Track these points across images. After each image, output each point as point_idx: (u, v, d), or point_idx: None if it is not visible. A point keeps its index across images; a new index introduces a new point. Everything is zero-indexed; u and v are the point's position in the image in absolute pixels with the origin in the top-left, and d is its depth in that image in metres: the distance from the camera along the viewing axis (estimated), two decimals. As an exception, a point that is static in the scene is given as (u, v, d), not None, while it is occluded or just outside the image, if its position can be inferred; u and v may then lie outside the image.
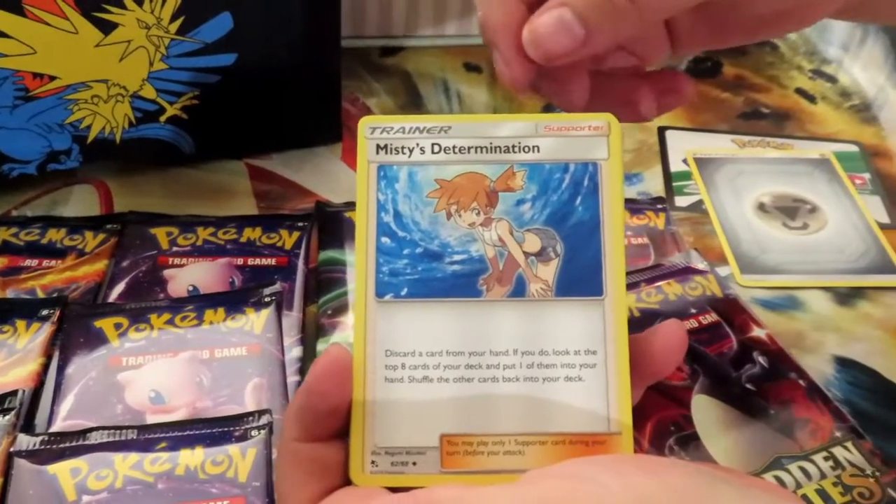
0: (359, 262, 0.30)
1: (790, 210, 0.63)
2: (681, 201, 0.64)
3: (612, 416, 0.29)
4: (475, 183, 0.31)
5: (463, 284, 0.30)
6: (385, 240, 0.31)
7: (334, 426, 0.29)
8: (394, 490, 0.27)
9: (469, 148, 0.31)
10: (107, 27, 0.54)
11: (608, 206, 0.31)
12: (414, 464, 0.29)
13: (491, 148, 0.31)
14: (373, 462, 0.29)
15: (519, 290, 0.30)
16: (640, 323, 0.49)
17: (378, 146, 0.31)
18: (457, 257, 0.31)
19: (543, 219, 0.31)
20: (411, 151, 0.31)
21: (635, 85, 0.38)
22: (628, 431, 0.29)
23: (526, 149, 0.31)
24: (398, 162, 0.31)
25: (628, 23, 0.32)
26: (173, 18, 0.55)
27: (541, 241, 0.31)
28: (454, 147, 0.31)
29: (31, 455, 0.40)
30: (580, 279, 0.30)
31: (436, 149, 0.31)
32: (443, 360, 0.30)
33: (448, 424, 0.29)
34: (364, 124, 0.32)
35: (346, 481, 0.29)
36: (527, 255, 0.31)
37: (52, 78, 0.55)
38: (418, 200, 0.31)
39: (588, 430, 0.29)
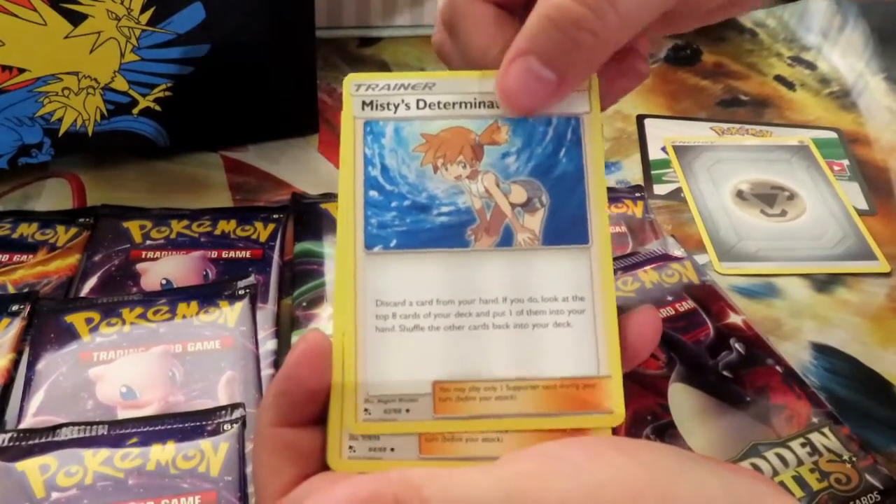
0: (345, 215, 0.30)
1: (768, 197, 0.63)
2: (659, 189, 0.64)
3: (602, 359, 0.29)
4: (460, 137, 0.32)
5: (451, 235, 0.31)
6: (373, 193, 0.31)
7: (312, 412, 0.29)
8: None
9: (453, 104, 0.32)
10: (76, 18, 0.53)
11: (591, 157, 0.32)
12: (392, 449, 0.29)
13: (475, 103, 0.32)
14: (350, 447, 0.29)
15: (506, 240, 0.31)
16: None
17: (364, 103, 0.32)
18: (444, 209, 0.31)
19: (528, 171, 0.31)
20: (396, 107, 0.32)
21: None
22: (617, 374, 0.29)
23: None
24: (384, 118, 0.32)
25: (597, 54, 0.31)
26: (144, 9, 0.55)
27: (526, 192, 0.31)
28: (439, 103, 0.32)
29: (0, 452, 0.40)
30: (566, 228, 0.30)
31: (421, 104, 0.32)
32: (433, 309, 0.30)
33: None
34: (349, 81, 0.32)
35: (323, 467, 0.29)
36: (513, 205, 0.31)
37: (22, 70, 0.54)
38: (405, 155, 0.31)
39: (578, 374, 0.29)
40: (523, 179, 0.31)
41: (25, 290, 0.50)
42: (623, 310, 0.31)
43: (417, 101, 0.32)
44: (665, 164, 0.66)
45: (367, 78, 0.32)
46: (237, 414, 0.42)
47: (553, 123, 0.32)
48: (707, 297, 0.52)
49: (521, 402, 0.29)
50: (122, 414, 0.43)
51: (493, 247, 0.31)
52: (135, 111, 0.59)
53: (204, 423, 0.41)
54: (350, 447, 0.29)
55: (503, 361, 0.29)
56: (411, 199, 0.31)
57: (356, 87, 0.32)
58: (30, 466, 0.39)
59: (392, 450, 0.29)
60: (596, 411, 0.29)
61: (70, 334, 0.46)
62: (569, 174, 0.31)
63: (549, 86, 0.31)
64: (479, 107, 0.32)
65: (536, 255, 0.31)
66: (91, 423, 0.41)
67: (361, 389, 0.29)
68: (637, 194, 0.61)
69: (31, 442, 0.40)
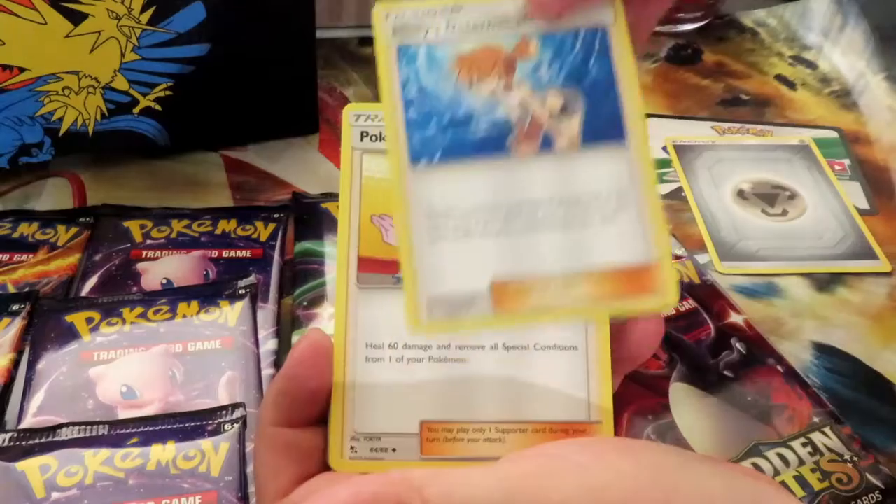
0: (390, 135, 0.30)
1: (769, 197, 0.63)
2: (660, 189, 0.64)
3: (651, 245, 0.29)
4: (492, 53, 0.32)
5: (492, 145, 0.30)
6: (412, 113, 0.31)
7: (313, 412, 0.29)
8: None
9: (482, 24, 0.32)
10: (76, 18, 0.53)
11: (620, 64, 0.31)
12: (393, 450, 0.29)
13: (503, 21, 0.31)
14: (352, 448, 0.29)
15: (546, 145, 0.30)
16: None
17: (394, 29, 0.31)
18: (483, 122, 0.31)
19: (561, 80, 0.31)
20: (427, 32, 0.31)
21: None
22: (668, 258, 0.29)
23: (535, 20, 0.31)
24: (416, 42, 0.31)
25: None
26: (144, 8, 0.54)
27: (561, 99, 0.31)
28: (467, 24, 0.31)
29: (0, 452, 0.39)
30: (603, 129, 0.30)
31: (450, 27, 0.31)
32: (482, 216, 0.30)
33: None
34: (379, 11, 0.31)
35: (325, 468, 0.29)
36: (550, 113, 0.31)
37: (22, 70, 0.54)
38: (439, 74, 0.31)
39: (630, 261, 0.29)
40: (557, 88, 0.31)
41: (26, 289, 0.50)
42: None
43: (447, 24, 0.32)
44: (666, 163, 0.66)
45: (394, 8, 0.32)
46: (238, 414, 0.42)
47: (580, 35, 0.32)
48: (708, 297, 0.52)
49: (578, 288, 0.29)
50: (123, 414, 0.43)
51: (535, 153, 0.31)
52: (135, 110, 0.59)
53: (204, 422, 0.41)
54: (351, 447, 0.29)
55: (555, 258, 0.29)
56: (450, 116, 0.31)
57: (386, 16, 0.31)
58: (30, 466, 0.39)
59: (393, 450, 0.29)
60: (650, 294, 0.28)
61: (70, 334, 0.46)
62: (600, 80, 0.32)
63: None
64: (507, 25, 0.32)
65: (577, 156, 0.31)
66: (91, 423, 0.41)
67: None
68: (638, 194, 0.61)
69: (31, 442, 0.40)
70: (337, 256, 0.30)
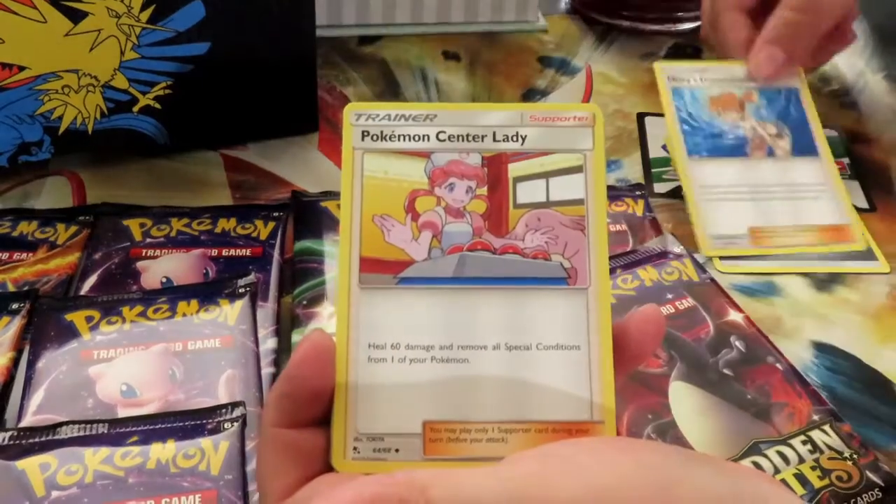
0: (671, 136, 0.57)
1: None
2: (660, 188, 0.64)
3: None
4: (732, 98, 0.57)
5: (737, 150, 0.64)
6: (685, 127, 0.63)
7: (315, 413, 0.29)
8: None
9: (723, 79, 0.33)
10: (76, 16, 0.53)
11: (808, 107, 0.33)
12: (396, 450, 0.29)
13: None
14: (354, 448, 0.29)
15: (770, 153, 0.62)
16: (616, 309, 0.49)
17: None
18: (730, 136, 0.63)
19: (774, 117, 0.60)
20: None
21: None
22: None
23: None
24: (683, 86, 0.61)
25: (807, 34, 0.63)
26: (144, 7, 0.55)
27: (776, 128, 0.61)
28: (713, 78, 0.39)
29: (0, 451, 0.39)
30: (803, 147, 0.48)
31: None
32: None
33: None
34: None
35: (327, 468, 0.29)
36: (770, 135, 0.61)
37: (22, 68, 0.54)
38: (701, 106, 0.63)
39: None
40: (772, 121, 0.61)
41: (25, 288, 0.50)
42: (624, 309, 0.31)
43: (700, 77, 0.58)
44: (665, 162, 0.66)
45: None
46: (237, 412, 0.42)
47: (782, 92, 0.63)
48: (707, 295, 0.52)
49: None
50: (123, 412, 0.43)
51: (764, 157, 0.59)
52: (135, 109, 0.59)
53: (204, 421, 0.41)
54: (354, 448, 0.29)
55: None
56: (708, 131, 0.62)
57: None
58: (30, 465, 0.39)
59: (396, 451, 0.29)
60: None
61: (70, 332, 0.46)
62: (797, 118, 0.62)
63: (783, 64, 0.62)
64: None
65: (789, 161, 0.59)
66: (91, 422, 0.41)
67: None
68: (637, 193, 0.61)
69: (31, 440, 0.40)
70: (339, 257, 0.30)
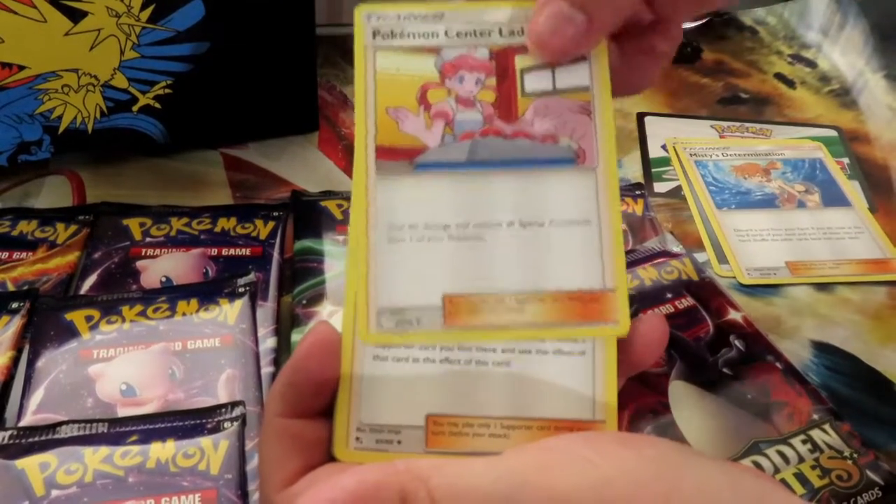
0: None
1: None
2: (659, 187, 0.64)
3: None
4: (755, 166, 0.57)
5: (769, 203, 0.57)
6: (713, 188, 0.63)
7: (319, 403, 0.29)
8: None
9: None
10: (76, 15, 0.53)
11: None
12: (398, 442, 0.29)
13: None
14: (357, 438, 0.29)
15: (801, 206, 0.57)
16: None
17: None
18: (758, 194, 0.61)
19: (801, 178, 0.61)
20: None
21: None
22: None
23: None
24: (704, 160, 0.58)
25: None
26: (144, 6, 0.54)
27: (805, 187, 0.60)
28: (736, 153, 0.35)
29: (0, 450, 0.39)
30: (834, 200, 0.48)
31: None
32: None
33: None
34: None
35: (330, 459, 0.29)
36: (798, 192, 0.59)
37: (22, 67, 0.54)
38: (726, 175, 0.63)
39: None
40: (798, 181, 0.61)
41: (25, 287, 0.50)
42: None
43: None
44: (665, 161, 0.66)
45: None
46: (237, 412, 0.42)
47: (806, 161, 0.64)
48: (706, 294, 0.52)
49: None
50: (122, 411, 0.43)
51: (794, 208, 0.60)
52: (135, 108, 0.59)
53: (204, 420, 0.41)
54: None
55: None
56: (735, 190, 0.62)
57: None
58: (30, 464, 0.39)
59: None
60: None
61: (70, 332, 0.46)
62: (826, 180, 0.63)
63: (579, 28, 0.31)
64: (761, 155, 0.34)
65: (821, 211, 0.57)
66: (91, 421, 0.41)
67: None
68: (637, 192, 0.61)
69: (30, 440, 0.40)
70: (355, 148, 0.31)
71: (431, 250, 0.30)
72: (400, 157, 0.30)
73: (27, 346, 0.46)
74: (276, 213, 0.56)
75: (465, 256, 0.30)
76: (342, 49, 0.76)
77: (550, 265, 0.30)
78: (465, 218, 0.30)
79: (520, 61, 0.31)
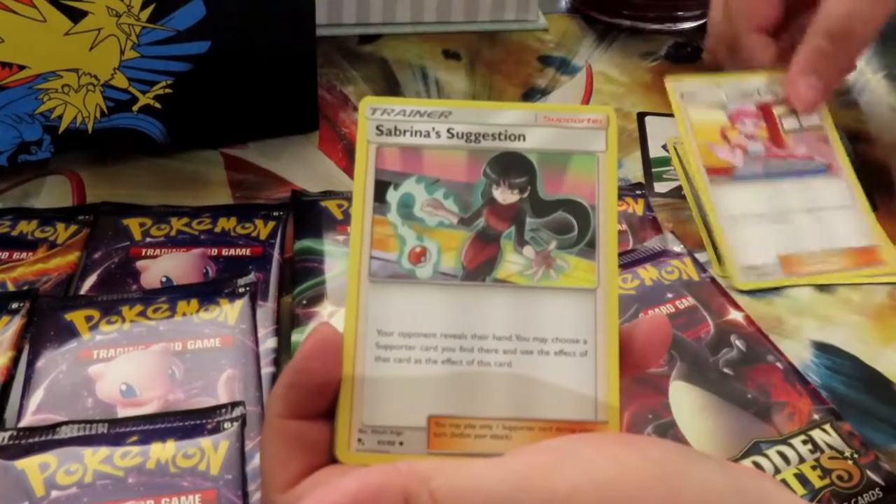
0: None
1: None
2: (660, 187, 0.64)
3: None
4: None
5: None
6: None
7: (321, 405, 0.29)
8: None
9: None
10: (76, 15, 0.53)
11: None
12: (400, 443, 0.29)
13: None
14: (359, 440, 0.29)
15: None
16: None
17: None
18: None
19: None
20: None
21: None
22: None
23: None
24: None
25: (841, 61, 0.62)
26: (144, 6, 0.54)
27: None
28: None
29: None
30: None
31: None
32: None
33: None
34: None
35: (332, 460, 0.29)
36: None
37: (21, 67, 0.54)
38: None
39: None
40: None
41: (25, 287, 0.50)
42: (623, 308, 0.30)
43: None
44: (666, 161, 0.66)
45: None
46: (237, 412, 0.42)
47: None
48: (707, 294, 0.52)
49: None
50: (122, 412, 0.43)
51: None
52: (135, 108, 0.59)
53: (204, 421, 0.41)
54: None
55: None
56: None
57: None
58: (29, 465, 0.39)
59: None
60: None
61: (70, 332, 0.46)
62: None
63: (822, 91, 0.61)
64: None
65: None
66: (91, 422, 0.41)
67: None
68: (638, 192, 0.61)
69: (30, 440, 0.40)
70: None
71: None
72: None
73: (27, 347, 0.46)
74: (276, 213, 0.56)
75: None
76: (343, 49, 0.76)
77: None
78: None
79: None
